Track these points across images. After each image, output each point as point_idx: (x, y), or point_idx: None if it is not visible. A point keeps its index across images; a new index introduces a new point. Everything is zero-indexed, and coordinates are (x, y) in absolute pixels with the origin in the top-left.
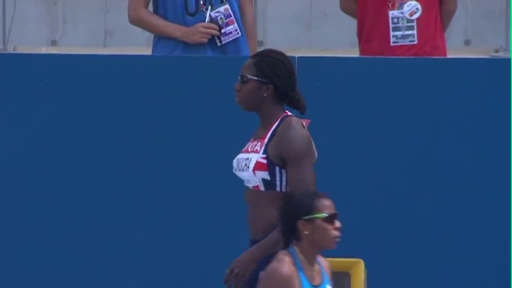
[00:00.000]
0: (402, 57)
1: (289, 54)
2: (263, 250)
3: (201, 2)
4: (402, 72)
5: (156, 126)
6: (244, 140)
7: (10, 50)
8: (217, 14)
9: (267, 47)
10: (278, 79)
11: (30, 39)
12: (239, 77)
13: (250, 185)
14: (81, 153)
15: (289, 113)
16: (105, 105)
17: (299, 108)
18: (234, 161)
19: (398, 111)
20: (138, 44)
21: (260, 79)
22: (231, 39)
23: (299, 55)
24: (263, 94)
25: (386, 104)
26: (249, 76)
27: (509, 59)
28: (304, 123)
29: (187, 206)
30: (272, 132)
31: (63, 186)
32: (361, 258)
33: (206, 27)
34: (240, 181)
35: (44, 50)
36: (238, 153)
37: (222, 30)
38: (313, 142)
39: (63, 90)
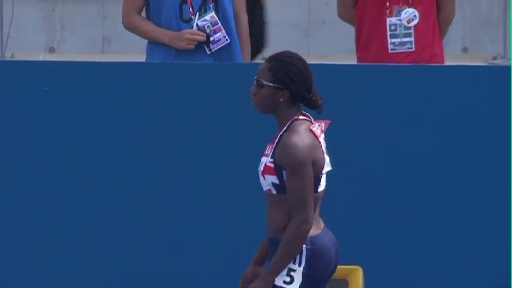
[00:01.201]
0: (400, 64)
1: None
2: (273, 272)
3: (190, 10)
4: (400, 79)
5: (153, 132)
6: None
7: (8, 57)
8: (204, 23)
9: (265, 54)
10: (294, 84)
11: (28, 46)
12: (255, 81)
13: (264, 189)
14: (79, 160)
15: (301, 117)
16: (103, 112)
17: (316, 108)
18: None
19: (396, 118)
20: (136, 51)
21: (276, 85)
22: (220, 46)
23: None
24: (279, 99)
25: (384, 111)
26: (265, 82)
27: (507, 67)
28: (324, 125)
29: (185, 210)
30: (280, 136)
31: (62, 191)
32: (359, 266)
33: (192, 34)
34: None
35: (41, 57)
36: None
37: (211, 38)
38: (319, 147)
39: (61, 98)
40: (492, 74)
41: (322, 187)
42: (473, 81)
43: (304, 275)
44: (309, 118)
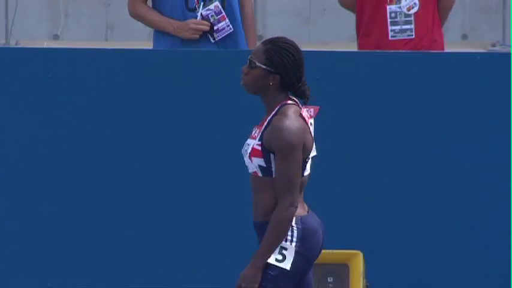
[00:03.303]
0: (400, 51)
1: None
2: (262, 257)
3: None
4: (400, 66)
5: (157, 119)
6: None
7: (12, 44)
8: (208, 12)
9: None
10: (286, 70)
11: (33, 33)
12: (248, 61)
13: (250, 171)
14: (83, 146)
15: (289, 101)
16: (107, 98)
17: (304, 97)
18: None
19: (396, 104)
20: (140, 38)
21: (268, 68)
22: (224, 35)
23: None
24: (269, 83)
25: (384, 97)
26: (258, 63)
27: (506, 53)
28: (313, 110)
29: (190, 200)
30: (269, 119)
31: (65, 178)
32: (360, 250)
33: (197, 24)
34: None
35: (46, 44)
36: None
37: (215, 27)
38: (308, 131)
39: (65, 84)
40: (491, 61)
41: (307, 171)
42: (473, 68)
43: (296, 253)
44: (297, 103)
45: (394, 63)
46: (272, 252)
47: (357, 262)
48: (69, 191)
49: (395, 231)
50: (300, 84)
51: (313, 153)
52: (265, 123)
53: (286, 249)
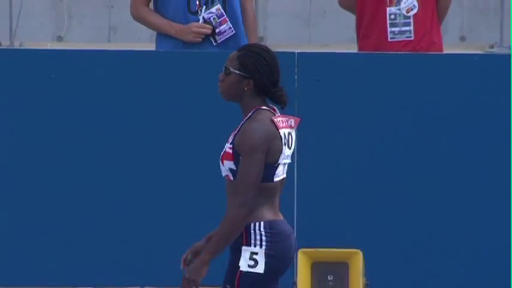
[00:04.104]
0: (399, 52)
1: (289, 49)
2: (210, 251)
3: (197, 2)
4: (399, 67)
5: (160, 120)
6: None
7: (17, 45)
8: (210, 15)
9: (267, 43)
10: (259, 75)
11: (36, 35)
12: (223, 68)
13: (223, 174)
14: (87, 147)
15: (264, 107)
16: (110, 99)
17: (280, 103)
18: None
19: (395, 106)
20: (142, 40)
21: (242, 73)
22: (226, 37)
23: (299, 51)
24: (244, 88)
25: (383, 99)
26: (232, 69)
27: (504, 55)
28: (293, 121)
29: (195, 200)
30: (242, 124)
31: (70, 178)
32: (359, 249)
33: (199, 27)
34: None
35: (49, 46)
36: None
37: (216, 30)
38: (277, 137)
39: (68, 85)
40: (489, 63)
41: (279, 177)
42: (471, 69)
43: (267, 255)
44: (273, 110)
45: (393, 65)
46: (222, 248)
47: (357, 261)
48: (72, 191)
49: (395, 230)
50: (275, 89)
51: (287, 160)
52: (238, 128)
53: (256, 253)
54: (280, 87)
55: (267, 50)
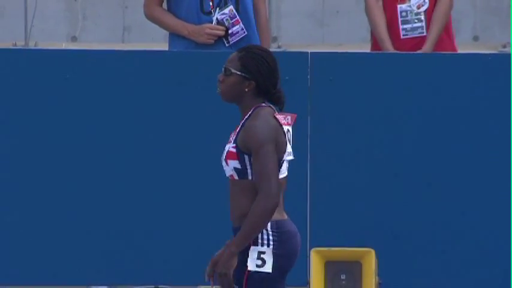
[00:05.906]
0: (412, 52)
1: (302, 49)
2: (238, 243)
3: (210, 3)
4: (413, 67)
5: (174, 120)
6: None
7: (31, 45)
8: (223, 16)
9: (281, 43)
10: (260, 76)
11: (51, 35)
12: (223, 69)
13: (227, 175)
14: (101, 147)
15: (263, 104)
16: (124, 99)
17: (278, 104)
18: None
19: (408, 105)
20: (156, 40)
21: (243, 74)
22: (238, 38)
23: (312, 50)
24: (244, 89)
25: (397, 98)
26: (233, 70)
27: None
28: (290, 118)
29: (198, 201)
30: (243, 122)
31: (83, 178)
32: (372, 248)
33: (212, 29)
34: None
35: (64, 46)
36: None
37: (229, 31)
38: (281, 132)
39: (83, 85)
40: (502, 62)
41: (283, 174)
42: (484, 68)
43: (275, 254)
44: (272, 108)
45: (406, 65)
46: (248, 240)
47: (370, 260)
48: (86, 189)
49: (408, 229)
50: (275, 91)
51: (290, 157)
52: (240, 126)
53: (264, 253)
54: (279, 88)
55: (266, 51)
